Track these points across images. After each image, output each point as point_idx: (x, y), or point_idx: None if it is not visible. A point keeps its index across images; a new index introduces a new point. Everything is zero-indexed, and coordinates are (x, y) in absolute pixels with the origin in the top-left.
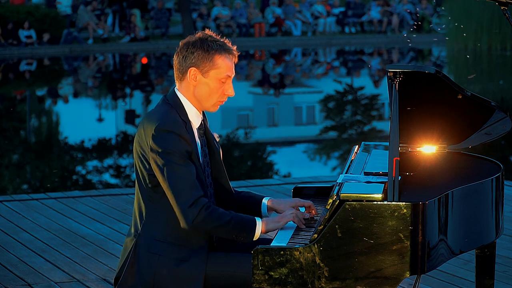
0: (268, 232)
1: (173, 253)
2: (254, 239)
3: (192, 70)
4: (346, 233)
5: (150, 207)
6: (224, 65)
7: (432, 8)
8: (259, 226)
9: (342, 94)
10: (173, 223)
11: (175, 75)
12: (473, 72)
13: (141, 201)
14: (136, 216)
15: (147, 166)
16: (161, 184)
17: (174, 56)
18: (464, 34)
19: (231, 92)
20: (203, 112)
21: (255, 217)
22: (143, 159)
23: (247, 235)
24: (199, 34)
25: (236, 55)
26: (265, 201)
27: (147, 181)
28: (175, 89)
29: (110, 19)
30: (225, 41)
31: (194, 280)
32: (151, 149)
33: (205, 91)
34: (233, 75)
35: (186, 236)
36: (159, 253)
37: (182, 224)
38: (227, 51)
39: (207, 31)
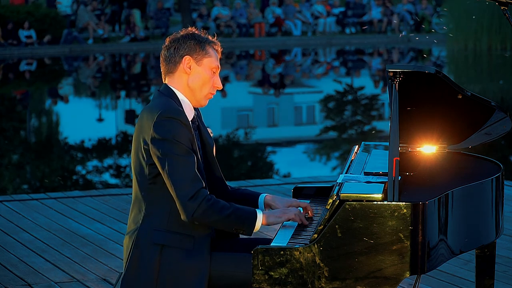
0: (268, 225)
1: (177, 242)
2: (254, 231)
3: (187, 58)
4: (346, 233)
5: (149, 200)
6: (214, 55)
7: (432, 8)
8: (260, 220)
9: (342, 94)
10: (175, 213)
11: (164, 70)
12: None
13: (140, 196)
14: (135, 213)
15: (147, 157)
16: (162, 174)
17: (162, 52)
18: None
19: (219, 84)
20: (196, 108)
21: (256, 210)
22: (143, 150)
23: (246, 229)
24: (183, 31)
25: (220, 51)
26: (262, 196)
27: (147, 172)
28: (167, 84)
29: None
30: (208, 36)
31: (199, 270)
32: (152, 138)
33: (198, 80)
34: (219, 69)
35: (188, 225)
36: (163, 243)
37: (182, 216)
38: (214, 43)
39: (190, 29)
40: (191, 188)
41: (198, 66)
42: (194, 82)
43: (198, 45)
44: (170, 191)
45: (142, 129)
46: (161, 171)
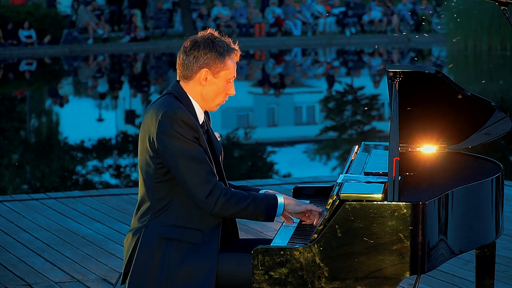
0: (287, 211)
1: (186, 236)
2: (276, 216)
3: (205, 71)
4: (346, 233)
5: (157, 198)
6: (233, 66)
7: (432, 8)
8: (281, 206)
9: (342, 94)
10: (182, 210)
11: (180, 73)
12: (472, 73)
13: (147, 196)
14: (141, 211)
15: (155, 156)
16: (173, 173)
17: (181, 55)
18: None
19: (233, 91)
20: (206, 112)
21: (277, 195)
22: (150, 150)
23: (266, 216)
24: (205, 34)
25: (239, 55)
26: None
27: (154, 171)
28: (180, 85)
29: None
30: (229, 41)
31: (208, 265)
32: (159, 138)
33: (213, 91)
34: (235, 76)
35: (197, 219)
36: (171, 236)
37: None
38: (234, 52)
39: (210, 30)
40: (207, 186)
41: (215, 78)
42: (208, 93)
43: (218, 58)
44: (185, 189)
45: (148, 128)
46: (172, 171)
